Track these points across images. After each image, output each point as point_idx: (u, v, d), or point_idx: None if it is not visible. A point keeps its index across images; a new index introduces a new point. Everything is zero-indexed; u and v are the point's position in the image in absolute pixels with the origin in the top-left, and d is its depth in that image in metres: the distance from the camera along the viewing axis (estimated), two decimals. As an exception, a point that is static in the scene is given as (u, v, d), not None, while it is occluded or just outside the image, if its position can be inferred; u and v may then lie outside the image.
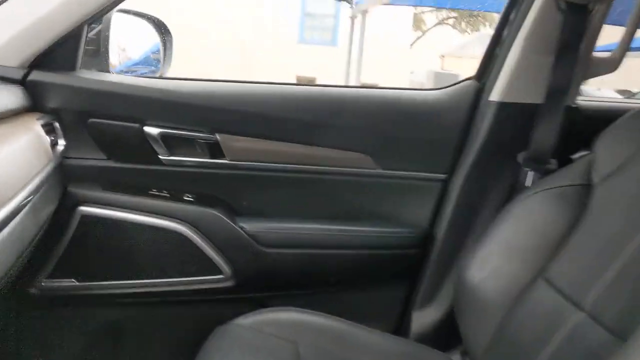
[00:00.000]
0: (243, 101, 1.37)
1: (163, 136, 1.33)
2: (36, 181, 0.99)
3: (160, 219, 1.34)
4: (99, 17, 1.27)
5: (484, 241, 1.22)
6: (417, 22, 18.29)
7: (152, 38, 1.62)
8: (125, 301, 1.42)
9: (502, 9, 1.43)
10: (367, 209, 1.50)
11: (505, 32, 1.45)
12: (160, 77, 1.52)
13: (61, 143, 1.27)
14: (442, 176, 1.48)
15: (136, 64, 1.75)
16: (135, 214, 1.33)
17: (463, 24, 19.97)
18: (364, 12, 10.01)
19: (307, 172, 1.44)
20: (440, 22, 19.29)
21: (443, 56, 15.84)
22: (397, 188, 1.49)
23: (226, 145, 1.37)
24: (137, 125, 1.31)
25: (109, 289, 1.37)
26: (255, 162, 1.41)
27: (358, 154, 1.44)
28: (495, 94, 1.40)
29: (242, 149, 1.39)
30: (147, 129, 1.32)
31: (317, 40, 13.84)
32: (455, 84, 1.49)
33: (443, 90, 1.49)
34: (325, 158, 1.43)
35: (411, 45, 16.13)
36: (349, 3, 10.51)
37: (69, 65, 1.28)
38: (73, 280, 1.34)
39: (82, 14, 1.21)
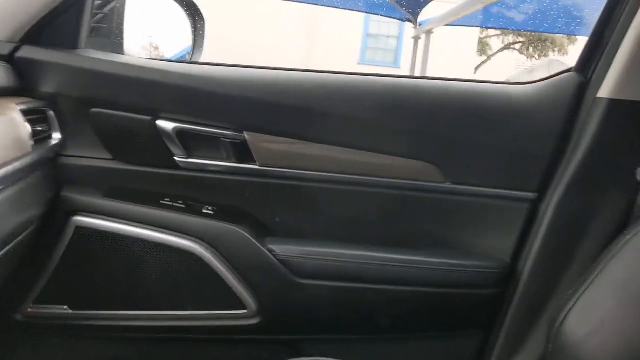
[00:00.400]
0: (279, 92, 1.10)
1: (180, 133, 1.08)
2: None
3: (173, 235, 1.08)
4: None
5: (589, 283, 0.91)
6: (482, 46, 17.91)
7: (182, 23, 1.39)
8: (126, 336, 1.16)
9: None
10: (431, 234, 1.19)
11: (615, 14, 1.12)
12: (181, 61, 1.28)
13: (56, 137, 1.04)
14: (531, 195, 1.15)
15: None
16: (142, 228, 1.08)
17: (531, 49, 19.41)
18: (428, 33, 9.73)
19: (356, 184, 1.15)
20: (507, 47, 18.81)
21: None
22: (470, 209, 1.17)
23: (256, 146, 1.10)
24: (148, 118, 1.07)
25: (107, 320, 1.13)
26: (291, 169, 1.13)
27: (421, 162, 1.14)
28: (606, 90, 1.07)
29: (275, 152, 1.12)
30: (160, 123, 1.07)
31: (379, 61, 13.66)
32: (550, 77, 1.17)
33: (534, 84, 1.17)
34: (379, 167, 1.14)
35: (476, 69, 15.71)
36: (413, 23, 10.26)
37: (70, 42, 1.06)
38: (65, 307, 1.11)
39: None
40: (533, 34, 17.19)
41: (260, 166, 1.12)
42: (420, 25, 10.02)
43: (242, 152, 1.11)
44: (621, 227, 1.08)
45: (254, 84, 1.10)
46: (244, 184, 1.14)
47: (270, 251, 1.10)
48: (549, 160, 1.13)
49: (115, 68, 1.06)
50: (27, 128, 0.90)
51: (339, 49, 13.25)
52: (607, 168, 1.09)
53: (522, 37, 18.39)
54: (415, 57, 10.22)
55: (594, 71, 1.12)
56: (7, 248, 0.89)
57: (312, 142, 1.11)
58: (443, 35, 11.39)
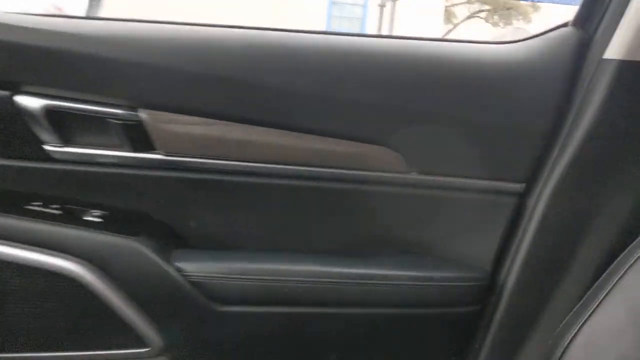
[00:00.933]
0: (189, 55, 0.82)
1: (50, 112, 0.80)
2: None
3: (45, 253, 0.80)
4: None
5: (597, 301, 0.68)
6: (448, 15, 17.76)
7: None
8: None
9: None
10: (392, 239, 0.94)
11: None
12: (53, 15, 0.98)
13: None
14: (518, 187, 0.90)
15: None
16: (1, 244, 0.79)
17: (496, 17, 19.36)
18: (394, 0, 9.48)
19: (293, 177, 0.88)
20: (472, 15, 18.70)
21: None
22: (441, 205, 0.92)
23: (157, 129, 0.83)
24: (4, 93, 0.77)
25: None
26: (207, 158, 0.85)
27: (378, 147, 0.88)
28: (615, 49, 0.82)
29: (184, 137, 0.84)
30: (21, 99, 0.78)
31: (345, 29, 13.33)
32: (542, 33, 0.91)
33: (522, 43, 0.91)
34: (323, 154, 0.88)
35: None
36: (378, -10, 10.00)
37: None
38: None
39: None
40: (498, 1, 17.10)
41: (165, 155, 0.84)
42: (385, -9, 9.78)
43: (139, 136, 0.83)
44: (631, 228, 0.84)
45: (153, 44, 0.81)
46: (143, 179, 0.85)
47: (180, 270, 0.83)
48: (541, 141, 0.88)
49: None
50: None
51: (302, 17, 12.87)
52: (616, 150, 0.85)
53: (487, 5, 18.26)
54: (381, 25, 9.98)
55: (598, 26, 0.86)
56: None
57: (233, 122, 0.84)
58: (408, 3, 11.17)
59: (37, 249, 0.80)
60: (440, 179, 0.90)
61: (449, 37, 15.00)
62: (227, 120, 0.83)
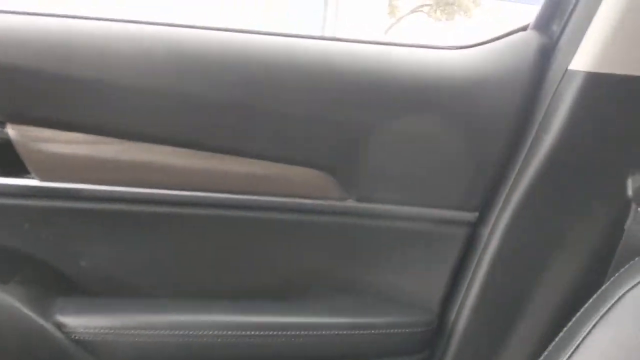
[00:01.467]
0: (64, 53, 0.66)
1: None
2: None
3: None
4: None
5: (570, 350, 0.59)
6: (391, 9, 17.92)
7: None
8: None
9: None
10: (325, 277, 0.81)
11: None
12: None
13: None
14: (469, 216, 0.79)
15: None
16: None
17: (438, 12, 19.70)
18: (338, -7, 9.41)
19: (207, 206, 0.74)
20: (415, 10, 18.93)
21: (417, 44, 15.43)
22: (383, 236, 0.80)
23: (29, 148, 0.66)
24: None
25: None
26: (97, 184, 0.70)
27: (310, 170, 0.74)
28: (582, 60, 0.71)
29: (65, 158, 0.69)
30: None
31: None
32: (497, 37, 0.79)
33: (476, 48, 0.79)
34: (244, 178, 0.74)
35: (386, 32, 15.65)
36: (322, -18, 9.94)
37: None
38: None
39: None
40: (440, -4, 17.38)
41: (41, 180, 0.67)
42: (329, -17, 9.69)
43: (7, 157, 0.66)
44: (602, 263, 0.74)
45: (16, 40, 0.64)
46: (13, 210, 0.69)
47: (60, 326, 0.67)
48: (497, 162, 0.77)
49: None
50: None
51: (244, 7, 12.61)
52: (584, 173, 0.74)
53: (429, 0, 18.50)
54: (326, 16, 9.89)
55: (562, 31, 0.75)
56: None
57: (126, 139, 0.68)
58: (353, -5, 11.10)
59: None
60: (380, 206, 0.77)
61: (392, 35, 15.13)
62: (119, 137, 0.68)
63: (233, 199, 0.77)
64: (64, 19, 0.72)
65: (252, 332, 0.77)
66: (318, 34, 10.17)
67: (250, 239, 0.79)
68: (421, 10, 20.22)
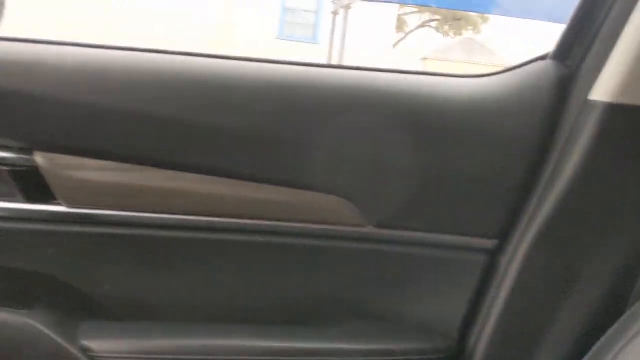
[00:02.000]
0: (89, 83, 0.67)
1: None
2: None
3: None
4: None
5: None
6: (400, 24, 17.94)
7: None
8: None
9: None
10: (342, 303, 0.81)
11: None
12: None
13: None
14: (489, 243, 0.79)
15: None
16: None
17: (446, 27, 19.71)
18: (347, 8, 9.43)
19: (227, 231, 0.74)
20: (423, 25, 18.96)
21: (425, 59, 15.41)
22: (401, 264, 0.80)
23: (56, 175, 0.67)
24: None
25: None
26: (120, 210, 0.70)
27: (329, 197, 0.74)
28: (602, 90, 0.71)
29: (89, 185, 0.69)
30: None
31: (297, 36, 13.15)
32: (517, 66, 0.80)
33: (495, 77, 0.80)
34: (262, 205, 0.74)
35: (394, 46, 15.66)
36: (331, -4, 9.95)
37: None
38: None
39: None
40: (449, 11, 17.38)
41: (67, 207, 0.68)
42: (338, -1, 9.74)
43: (34, 184, 0.67)
44: (623, 289, 0.74)
45: (44, 70, 0.65)
46: (42, 236, 0.70)
47: (86, 350, 0.67)
48: (517, 191, 0.77)
49: None
50: None
51: (253, 24, 12.67)
52: (604, 203, 0.74)
53: (438, 15, 18.51)
54: (334, 32, 9.91)
55: (581, 61, 0.76)
56: None
57: (149, 166, 0.69)
58: (362, 10, 11.15)
59: None
60: (399, 233, 0.77)
61: (396, 52, 15.12)
62: (141, 164, 0.68)
63: (253, 225, 0.78)
64: (91, 49, 0.73)
65: (271, 357, 0.77)
66: (326, 48, 10.17)
67: (270, 265, 0.80)
68: (429, 26, 20.27)
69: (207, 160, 0.70)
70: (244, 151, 0.72)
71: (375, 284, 0.80)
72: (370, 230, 0.77)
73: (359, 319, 0.80)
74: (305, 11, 13.38)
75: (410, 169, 0.76)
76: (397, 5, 14.59)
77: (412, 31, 18.45)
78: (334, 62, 9.47)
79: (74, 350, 0.67)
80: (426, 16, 18.82)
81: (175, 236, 0.73)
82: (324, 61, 9.74)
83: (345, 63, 9.47)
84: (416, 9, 17.49)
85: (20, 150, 0.66)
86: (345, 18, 9.72)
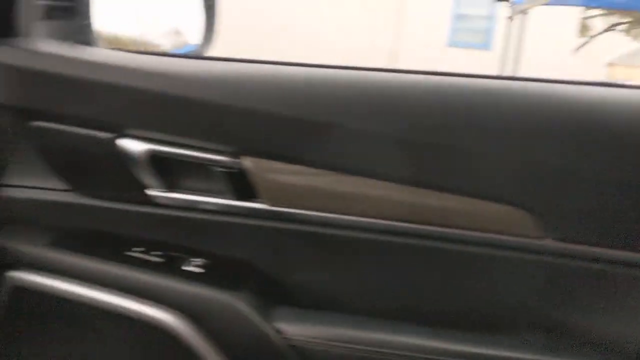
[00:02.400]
0: (291, 98, 0.75)
1: (153, 156, 0.76)
2: None
3: (141, 303, 0.76)
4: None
5: None
6: (583, 29, 16.69)
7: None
8: None
9: None
10: (519, 313, 0.81)
11: None
12: (163, 54, 0.95)
13: None
14: None
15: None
16: (102, 291, 0.76)
17: (637, 31, 17.93)
18: (523, 13, 9.01)
19: (411, 236, 0.78)
20: (610, 28, 17.44)
21: (611, 64, 14.18)
22: (580, 279, 0.78)
23: (260, 178, 0.77)
24: (108, 135, 0.75)
25: None
26: (314, 210, 0.78)
27: (506, 207, 0.76)
28: None
29: (288, 186, 0.78)
30: (124, 143, 0.75)
31: (468, 43, 12.86)
32: None
33: None
34: (446, 212, 0.77)
35: (575, 51, 14.62)
36: (508, 2, 9.53)
37: (2, 29, 0.75)
38: None
39: None
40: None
41: (268, 205, 0.78)
42: (514, 4, 9.31)
43: (242, 185, 0.78)
44: None
45: (255, 87, 0.75)
46: (245, 228, 0.80)
47: (279, 332, 0.76)
48: None
49: (60, 64, 0.74)
50: None
51: (425, 31, 12.62)
52: None
53: (628, 17, 16.95)
54: (509, 38, 9.51)
55: None
56: None
57: (344, 173, 0.76)
58: (540, 14, 10.58)
59: (135, 297, 0.77)
60: (580, 247, 0.76)
61: (577, 56, 14.06)
62: (335, 170, 0.75)
63: (430, 231, 0.82)
64: (286, 66, 0.83)
65: (444, 358, 0.80)
66: (499, 52, 9.75)
67: (446, 270, 0.83)
68: (616, 29, 18.60)
69: (390, 169, 0.75)
70: (423, 160, 0.75)
71: (551, 296, 0.79)
72: (549, 243, 0.76)
73: (534, 330, 0.80)
74: (477, 17, 13.04)
75: (592, 182, 0.74)
76: (581, 9, 13.58)
77: (596, 35, 17.10)
78: (509, 68, 9.11)
79: (270, 331, 0.76)
80: (614, 19, 17.33)
81: (358, 237, 0.79)
82: (497, 67, 9.40)
83: (521, 69, 9.05)
84: (603, 12, 16.16)
85: (231, 154, 0.77)
86: (522, 22, 9.27)
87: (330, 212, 0.77)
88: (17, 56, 0.74)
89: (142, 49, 1.26)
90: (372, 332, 0.77)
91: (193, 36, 1.29)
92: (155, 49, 1.33)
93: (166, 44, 1.38)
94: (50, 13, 0.82)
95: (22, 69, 0.74)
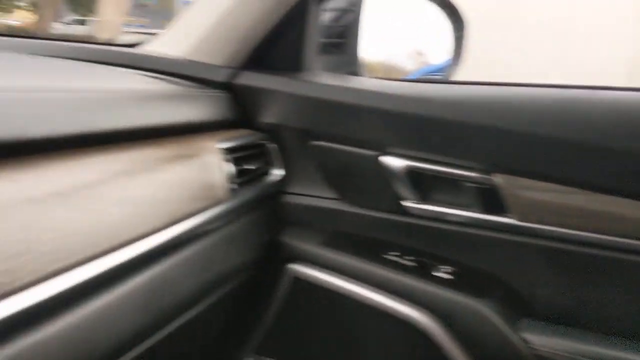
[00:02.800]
0: (545, 118, 0.79)
1: (410, 172, 0.86)
2: (181, 228, 0.68)
3: (396, 301, 0.86)
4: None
5: None
6: None
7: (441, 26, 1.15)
8: None
9: None
10: None
11: None
12: (422, 80, 1.04)
13: (276, 172, 0.92)
14: None
15: (436, 70, 1.31)
16: (362, 286, 0.88)
17: None
18: None
19: None
20: None
21: None
22: None
23: (511, 194, 0.81)
24: (372, 153, 0.87)
25: None
26: (566, 228, 0.80)
27: None
28: None
29: (540, 204, 0.81)
30: (386, 159, 0.86)
31: None
32: None
33: None
34: None
35: None
36: None
37: (292, 65, 0.92)
38: None
39: None
40: None
41: (518, 220, 0.82)
42: None
43: (491, 199, 0.83)
44: None
45: (508, 107, 0.80)
46: (493, 241, 0.85)
47: (526, 341, 0.80)
48: None
49: (334, 93, 0.88)
50: (227, 170, 0.79)
51: None
52: None
53: None
54: None
55: None
56: (218, 295, 0.81)
57: (596, 192, 0.77)
58: None
59: (391, 295, 0.87)
60: None
61: None
62: (586, 189, 0.77)
63: None
64: (546, 88, 0.86)
65: None
66: None
67: None
68: None
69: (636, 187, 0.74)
70: None
71: None
72: None
73: None
74: None
75: None
76: None
77: None
78: None
79: (516, 339, 0.80)
80: None
81: (608, 255, 0.78)
82: None
83: None
84: None
85: (482, 171, 0.83)
86: None
87: (580, 229, 0.78)
88: (302, 87, 0.90)
89: (390, 71, 1.38)
90: (618, 351, 0.76)
91: (434, 56, 1.38)
92: (402, 71, 1.45)
93: (410, 65, 1.49)
94: (326, 49, 0.98)
95: (305, 97, 0.90)
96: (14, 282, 0.44)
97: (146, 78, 0.85)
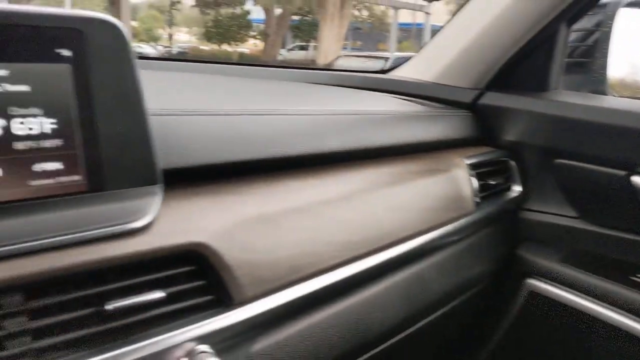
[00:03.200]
0: None
1: None
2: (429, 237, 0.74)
3: (637, 321, 0.84)
4: (582, 13, 0.89)
5: None
6: None
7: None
8: None
9: None
10: None
11: None
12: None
13: (515, 189, 0.96)
14: None
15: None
16: (603, 307, 0.87)
17: None
18: None
19: None
20: None
21: None
22: None
23: None
24: (622, 173, 0.86)
25: None
26: None
27: None
28: None
29: None
30: (637, 179, 0.85)
31: None
32: None
33: None
34: None
35: None
36: None
37: (537, 85, 0.95)
38: None
39: (554, 9, 0.86)
40: None
41: None
42: None
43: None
44: None
45: None
46: None
47: None
48: None
49: (582, 112, 0.89)
50: (473, 184, 0.85)
51: None
52: None
53: None
54: None
55: None
56: (461, 299, 0.87)
57: None
58: None
59: (635, 318, 0.85)
60: None
61: None
62: None
63: None
64: None
65: None
66: None
67: None
68: None
69: None
70: None
71: None
72: None
73: None
74: None
75: None
76: None
77: None
78: None
79: None
80: None
81: None
82: None
83: None
84: None
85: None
86: None
87: None
88: (549, 106, 0.93)
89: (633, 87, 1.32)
90: None
91: None
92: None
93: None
94: (570, 68, 0.99)
95: (551, 116, 0.92)
96: (318, 265, 0.56)
97: (400, 100, 0.95)
